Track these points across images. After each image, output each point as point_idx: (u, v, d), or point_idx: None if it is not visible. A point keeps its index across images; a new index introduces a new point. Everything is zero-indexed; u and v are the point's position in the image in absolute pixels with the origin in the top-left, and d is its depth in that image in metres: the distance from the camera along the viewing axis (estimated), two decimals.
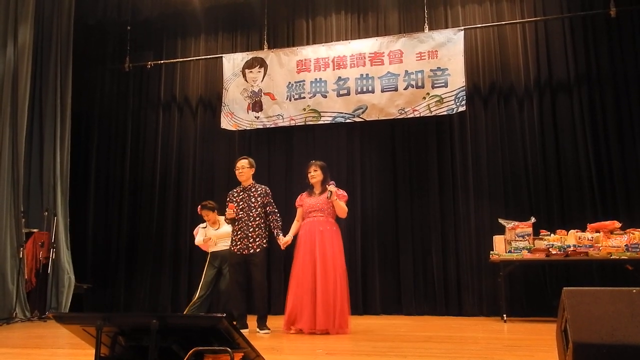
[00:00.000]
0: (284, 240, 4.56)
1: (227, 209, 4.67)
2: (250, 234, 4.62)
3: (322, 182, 4.62)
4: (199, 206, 5.43)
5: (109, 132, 7.26)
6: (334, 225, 4.57)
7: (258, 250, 4.60)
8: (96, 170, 7.19)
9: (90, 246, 6.96)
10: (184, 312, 5.34)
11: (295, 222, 4.72)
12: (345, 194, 4.68)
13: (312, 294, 4.31)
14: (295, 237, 4.62)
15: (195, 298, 5.12)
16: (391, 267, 6.11)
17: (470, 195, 6.02)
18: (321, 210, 4.54)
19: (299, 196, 4.77)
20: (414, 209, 6.16)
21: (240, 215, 4.67)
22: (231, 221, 4.68)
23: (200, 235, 5.34)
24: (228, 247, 4.86)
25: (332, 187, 4.48)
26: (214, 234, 5.29)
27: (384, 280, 6.09)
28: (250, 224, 4.62)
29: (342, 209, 4.56)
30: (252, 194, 4.71)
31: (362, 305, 6.00)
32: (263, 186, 4.79)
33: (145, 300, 6.68)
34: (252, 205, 4.67)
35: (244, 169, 4.74)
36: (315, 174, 4.64)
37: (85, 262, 6.80)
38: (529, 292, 5.64)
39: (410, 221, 6.13)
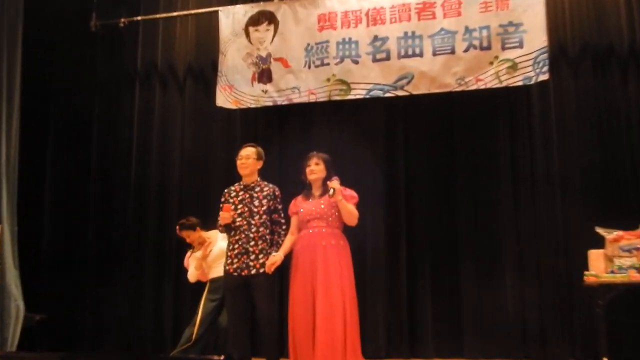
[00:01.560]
0: (271, 260, 4.50)
1: (220, 212, 4.63)
2: (251, 248, 4.57)
3: (325, 181, 4.62)
4: (177, 226, 5.52)
5: (71, 114, 7.24)
6: (340, 238, 4.56)
7: (262, 270, 4.53)
8: (53, 165, 7.17)
9: (45, 264, 6.94)
10: (173, 353, 5.33)
11: (288, 236, 4.68)
12: (355, 194, 4.65)
13: (310, 333, 4.32)
14: (290, 255, 4.59)
15: (194, 336, 5.15)
16: (448, 294, 6.02)
17: (556, 196, 5.89)
18: (323, 217, 4.52)
19: (293, 201, 4.77)
20: (479, 215, 6.07)
21: (238, 223, 4.62)
22: (226, 229, 4.64)
23: (192, 266, 5.37)
24: None
25: (334, 183, 4.45)
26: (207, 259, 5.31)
27: (439, 312, 6.01)
28: (251, 234, 4.59)
29: (350, 213, 4.52)
30: (255, 195, 4.69)
31: (408, 345, 5.95)
32: (271, 185, 4.77)
33: (120, 332, 6.68)
34: (255, 209, 4.64)
35: (249, 159, 4.73)
36: (316, 169, 4.63)
37: (39, 285, 6.77)
38: (638, 328, 5.49)
39: (474, 232, 6.03)
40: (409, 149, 6.33)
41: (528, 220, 5.92)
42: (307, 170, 4.65)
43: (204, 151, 6.84)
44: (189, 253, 5.52)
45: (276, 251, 4.58)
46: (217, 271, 5.17)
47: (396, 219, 6.15)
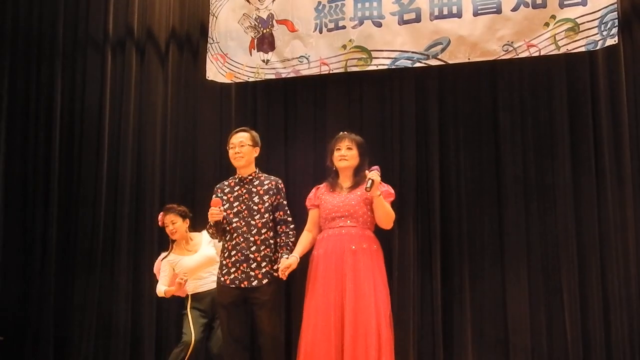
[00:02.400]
0: (285, 264, 4.47)
1: (210, 209, 4.66)
2: (252, 255, 4.58)
3: (357, 170, 4.66)
4: (161, 211, 5.55)
5: (28, 88, 7.20)
6: (373, 242, 4.58)
7: (265, 281, 4.56)
8: (7, 151, 7.11)
9: None
10: None
11: (304, 233, 4.73)
12: (392, 191, 4.71)
13: (334, 357, 4.32)
14: (305, 258, 4.62)
15: (191, 344, 5.20)
16: (491, 311, 5.94)
17: (627, 189, 5.75)
18: (353, 215, 4.52)
19: (314, 190, 4.83)
20: (531, 214, 5.94)
21: (235, 224, 4.65)
22: (216, 229, 4.68)
23: (163, 276, 5.48)
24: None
25: (374, 174, 4.40)
26: (185, 266, 5.33)
27: (480, 326, 5.93)
28: (251, 237, 4.62)
29: (387, 214, 4.53)
30: (254, 190, 4.74)
31: None
32: (272, 178, 4.83)
33: (89, 350, 6.68)
34: (256, 207, 4.68)
35: (243, 147, 4.76)
36: (348, 155, 4.64)
37: None
38: None
39: (525, 236, 5.91)
40: (445, 131, 6.23)
41: (591, 220, 5.81)
42: (336, 155, 4.63)
43: (191, 135, 6.81)
44: (162, 256, 5.56)
45: (287, 254, 4.53)
46: (202, 284, 5.32)
47: (429, 216, 6.04)
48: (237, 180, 4.81)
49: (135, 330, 6.60)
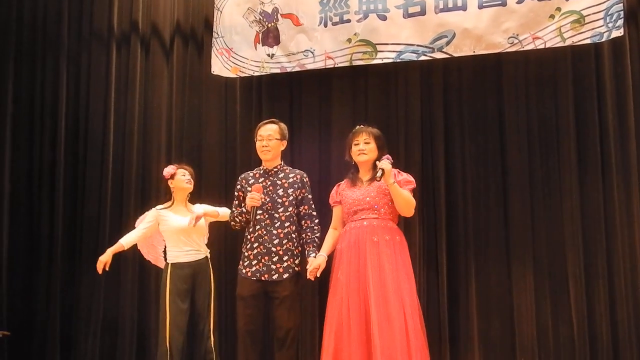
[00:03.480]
0: (314, 264, 4.48)
1: (248, 194, 4.62)
2: (274, 248, 4.59)
3: (375, 164, 4.65)
4: (169, 165, 5.46)
5: (33, 84, 7.20)
6: (396, 233, 4.58)
7: (286, 275, 4.57)
8: (12, 148, 7.11)
9: (5, 270, 6.89)
10: None
11: (330, 231, 4.74)
12: (411, 179, 4.72)
13: (365, 350, 4.28)
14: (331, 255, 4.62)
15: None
16: (499, 304, 5.92)
17: (634, 181, 5.72)
18: (374, 207, 4.52)
19: (335, 188, 4.84)
20: (537, 210, 5.92)
21: (258, 216, 4.62)
22: (251, 214, 4.58)
23: (140, 228, 5.35)
24: (204, 255, 5.12)
25: (385, 163, 4.42)
26: (173, 225, 5.19)
27: (487, 325, 5.91)
28: (275, 231, 4.62)
29: (406, 200, 4.52)
30: (279, 183, 4.73)
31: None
32: (297, 171, 4.84)
33: (95, 344, 6.68)
34: (280, 200, 4.68)
35: (272, 140, 4.76)
36: (367, 149, 4.64)
37: None
38: None
39: (531, 230, 5.90)
40: (450, 124, 6.20)
41: (597, 213, 5.78)
42: (355, 149, 4.64)
43: (197, 130, 6.79)
44: (156, 207, 5.40)
45: (313, 252, 4.53)
46: (184, 254, 5.14)
47: (434, 209, 6.03)
48: (261, 172, 4.79)
49: (141, 325, 6.60)
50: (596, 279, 5.69)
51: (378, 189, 4.52)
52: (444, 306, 5.89)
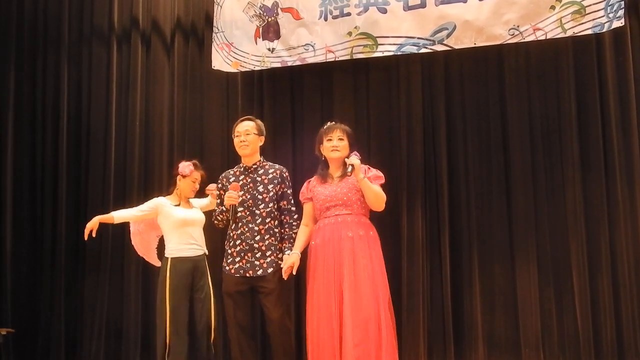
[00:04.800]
0: (288, 262, 4.50)
1: (227, 192, 4.64)
2: (256, 244, 4.62)
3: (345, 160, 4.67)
4: (192, 163, 5.34)
5: (34, 82, 7.22)
6: (369, 228, 4.61)
7: (270, 270, 4.59)
8: (14, 146, 7.12)
9: (9, 268, 6.91)
10: None
11: (302, 228, 4.72)
12: (381, 174, 4.71)
13: (338, 345, 4.31)
14: (304, 250, 4.64)
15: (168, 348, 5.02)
16: (503, 298, 5.92)
17: (636, 172, 5.72)
18: (347, 203, 4.56)
19: (305, 184, 4.84)
20: (539, 201, 5.93)
21: (239, 213, 4.67)
22: (229, 214, 4.63)
23: (138, 209, 5.32)
24: (203, 252, 5.11)
25: (354, 159, 4.44)
26: (176, 216, 5.14)
27: (492, 319, 5.92)
28: (256, 227, 4.64)
29: (375, 194, 4.52)
30: (259, 179, 4.75)
31: (454, 357, 5.89)
32: (277, 166, 4.85)
33: (100, 342, 6.68)
34: (260, 197, 4.70)
35: (249, 136, 4.77)
36: (341, 145, 4.65)
37: (2, 294, 6.80)
38: None
39: (534, 222, 5.90)
40: (451, 117, 6.21)
41: (600, 209, 5.78)
42: (328, 145, 4.65)
43: (198, 125, 6.80)
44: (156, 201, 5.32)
45: (289, 248, 4.55)
46: (185, 249, 5.09)
47: (437, 203, 6.04)
48: (241, 169, 4.80)
49: (146, 325, 6.55)
50: (600, 272, 5.69)
51: (350, 185, 4.54)
52: (447, 300, 5.90)
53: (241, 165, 4.81)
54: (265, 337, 4.82)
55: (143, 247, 5.48)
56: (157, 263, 5.34)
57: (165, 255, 5.15)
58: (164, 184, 6.66)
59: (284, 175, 4.76)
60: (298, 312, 5.85)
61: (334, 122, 4.78)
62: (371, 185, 4.50)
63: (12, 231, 6.97)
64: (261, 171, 4.75)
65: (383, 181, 4.64)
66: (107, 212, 6.62)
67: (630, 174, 5.71)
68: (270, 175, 4.72)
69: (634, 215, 5.67)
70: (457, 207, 6.07)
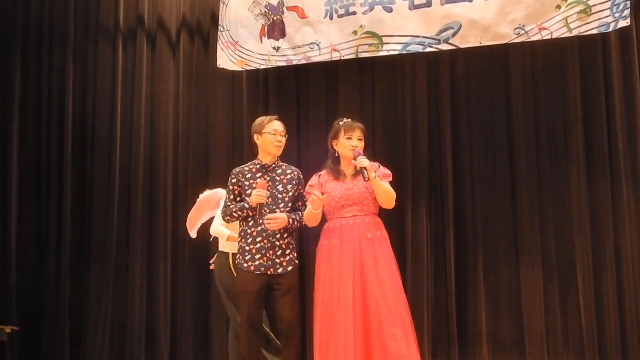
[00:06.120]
0: (276, 216, 4.50)
1: (253, 189, 4.54)
2: (278, 242, 4.58)
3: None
4: None
5: (39, 78, 7.23)
6: (383, 229, 4.60)
7: (290, 268, 4.59)
8: (20, 145, 7.14)
9: (14, 265, 6.92)
10: None
11: (309, 211, 4.56)
12: (388, 171, 4.70)
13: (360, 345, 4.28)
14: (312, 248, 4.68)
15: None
16: (507, 297, 5.93)
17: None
18: (363, 202, 4.53)
19: (314, 178, 4.74)
20: (544, 201, 5.92)
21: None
22: (257, 210, 4.52)
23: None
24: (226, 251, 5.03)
25: (364, 161, 4.40)
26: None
27: (496, 318, 5.92)
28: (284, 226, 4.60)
29: (387, 193, 4.51)
30: (278, 178, 4.71)
31: (457, 358, 5.89)
32: (293, 168, 4.83)
33: (105, 340, 6.70)
34: (280, 195, 4.66)
35: (284, 137, 4.74)
36: (360, 146, 4.59)
37: (7, 291, 6.80)
38: None
39: (539, 222, 5.89)
40: (457, 116, 6.21)
41: (605, 203, 5.77)
42: (347, 143, 4.57)
43: (203, 124, 6.81)
44: (218, 191, 5.36)
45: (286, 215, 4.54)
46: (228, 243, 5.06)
47: (442, 201, 6.05)
48: (258, 166, 4.72)
49: (150, 321, 6.63)
50: (604, 271, 5.68)
51: (365, 184, 4.48)
52: (452, 300, 5.91)
53: (257, 162, 4.73)
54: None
55: (193, 218, 5.46)
56: (193, 235, 5.42)
57: (228, 250, 5.10)
58: (168, 181, 6.76)
59: (300, 177, 4.75)
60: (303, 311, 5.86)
61: (351, 120, 4.70)
62: (382, 184, 4.49)
63: (17, 228, 6.98)
64: (279, 170, 4.71)
65: (391, 178, 4.63)
66: (112, 206, 6.81)
67: (635, 174, 5.69)
68: (289, 176, 4.71)
69: (639, 215, 5.66)
70: (461, 206, 6.07)
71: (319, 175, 4.70)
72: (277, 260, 4.54)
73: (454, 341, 5.86)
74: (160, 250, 6.72)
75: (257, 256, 4.54)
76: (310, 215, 4.49)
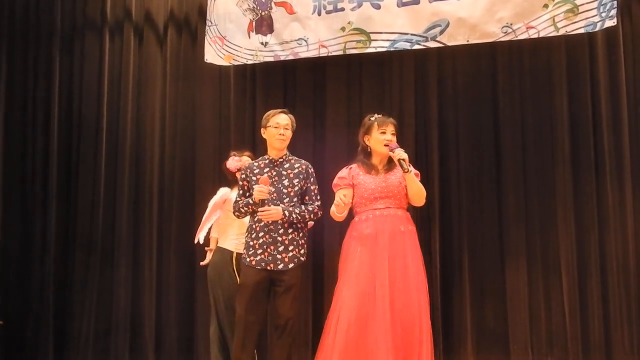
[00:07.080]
0: (271, 208, 4.51)
1: (256, 184, 4.56)
2: (280, 238, 4.57)
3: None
4: (233, 155, 5.26)
5: (26, 71, 7.19)
6: (412, 223, 4.62)
7: (292, 265, 4.57)
8: (5, 138, 7.08)
9: None
10: None
11: (335, 202, 4.58)
12: (418, 172, 4.73)
13: (387, 343, 4.23)
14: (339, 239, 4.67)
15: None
16: (492, 292, 5.96)
17: (625, 170, 5.76)
18: (396, 196, 4.55)
19: (345, 171, 4.72)
20: (530, 199, 5.95)
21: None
22: (261, 206, 4.54)
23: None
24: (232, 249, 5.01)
25: (401, 151, 4.45)
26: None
27: (480, 312, 5.95)
28: (279, 221, 4.58)
29: (420, 190, 4.58)
30: (284, 173, 4.70)
31: (442, 356, 5.87)
32: (303, 161, 4.80)
33: (89, 336, 6.70)
34: (285, 190, 4.65)
35: (288, 130, 4.74)
36: (393, 141, 4.59)
37: None
38: None
39: (524, 220, 5.93)
40: (444, 113, 6.22)
41: (590, 207, 5.81)
42: (382, 138, 4.58)
43: (190, 118, 6.79)
44: (225, 191, 5.29)
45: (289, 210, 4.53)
46: (229, 240, 5.12)
47: (428, 198, 5.76)
48: (266, 161, 4.72)
49: (135, 316, 6.61)
50: (589, 270, 5.72)
51: (399, 179, 4.51)
52: (437, 297, 5.86)
53: (266, 157, 4.74)
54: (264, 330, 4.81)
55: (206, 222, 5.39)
56: (200, 240, 5.35)
57: (232, 248, 5.11)
58: (155, 176, 6.72)
59: (310, 170, 4.72)
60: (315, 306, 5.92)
61: (387, 116, 4.72)
62: (416, 180, 4.54)
63: (2, 224, 6.93)
64: (287, 165, 4.70)
65: (419, 177, 4.66)
66: (97, 200, 6.76)
67: (621, 174, 5.72)
68: (296, 170, 4.69)
69: (623, 215, 5.69)
70: (447, 204, 6.06)
71: (350, 167, 4.68)
72: (279, 257, 4.52)
73: (438, 338, 5.79)
74: (145, 245, 6.69)
75: (259, 251, 4.54)
76: (337, 208, 4.54)
